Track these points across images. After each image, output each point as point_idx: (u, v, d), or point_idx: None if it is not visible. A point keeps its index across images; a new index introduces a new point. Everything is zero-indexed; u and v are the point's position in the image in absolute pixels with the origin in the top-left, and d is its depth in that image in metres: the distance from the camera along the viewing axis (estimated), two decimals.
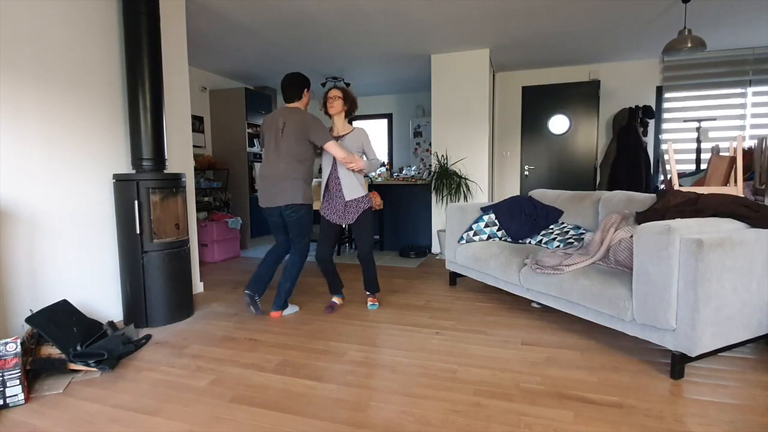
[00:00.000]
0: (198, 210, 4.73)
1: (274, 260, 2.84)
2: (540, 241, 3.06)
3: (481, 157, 4.93)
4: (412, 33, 4.19)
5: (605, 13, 3.74)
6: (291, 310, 2.88)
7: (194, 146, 5.15)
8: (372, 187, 5.17)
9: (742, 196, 2.81)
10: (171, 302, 2.69)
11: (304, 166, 2.69)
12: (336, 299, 2.99)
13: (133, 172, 2.71)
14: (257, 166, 5.54)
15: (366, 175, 3.01)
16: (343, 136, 2.78)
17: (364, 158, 2.79)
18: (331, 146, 2.61)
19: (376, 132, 7.30)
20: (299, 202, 2.65)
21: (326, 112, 2.81)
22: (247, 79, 5.92)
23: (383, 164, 6.35)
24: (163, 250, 2.65)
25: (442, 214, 5.02)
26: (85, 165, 2.60)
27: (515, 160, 5.86)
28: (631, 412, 1.62)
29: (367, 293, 3.01)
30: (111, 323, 2.40)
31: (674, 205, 2.32)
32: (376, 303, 2.98)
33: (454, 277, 3.55)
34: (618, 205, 2.80)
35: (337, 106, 2.75)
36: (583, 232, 2.92)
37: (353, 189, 2.76)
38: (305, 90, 2.76)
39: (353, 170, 2.73)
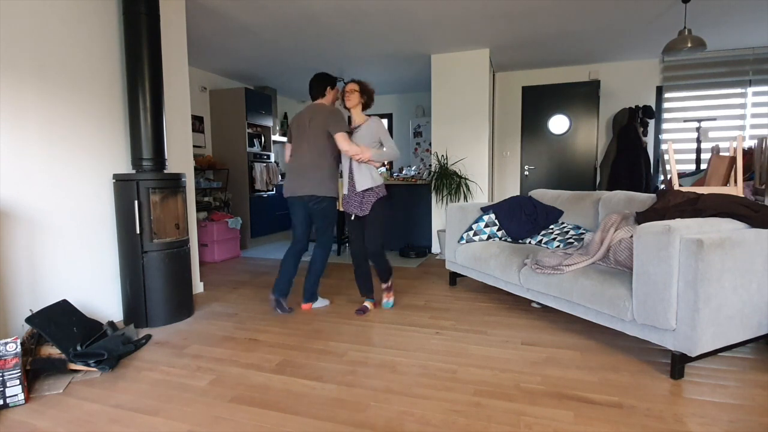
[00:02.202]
0: (198, 210, 4.73)
1: (294, 259, 2.89)
2: (540, 241, 3.06)
3: (481, 157, 4.92)
4: (412, 33, 4.18)
5: (605, 13, 3.74)
6: (321, 303, 2.98)
7: (194, 146, 5.15)
8: None
9: (742, 196, 2.81)
10: (171, 302, 2.69)
11: (327, 160, 2.77)
12: (368, 303, 2.92)
13: (133, 172, 2.71)
14: (257, 166, 5.53)
15: (384, 165, 3.09)
16: (357, 127, 2.80)
17: (383, 148, 2.80)
18: (338, 137, 2.67)
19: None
20: (322, 194, 2.74)
21: (344, 107, 2.84)
22: (247, 79, 5.92)
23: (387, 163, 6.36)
24: (163, 250, 2.65)
25: (442, 214, 5.02)
26: (85, 165, 2.60)
27: (515, 160, 5.85)
28: (631, 412, 1.62)
29: (383, 286, 2.97)
30: (111, 323, 2.40)
31: (674, 205, 2.32)
32: (392, 299, 2.98)
33: (454, 277, 3.55)
34: (618, 205, 2.80)
35: (353, 99, 2.76)
36: (583, 232, 2.92)
37: (363, 179, 2.76)
38: (328, 88, 2.85)
39: (362, 161, 2.74)
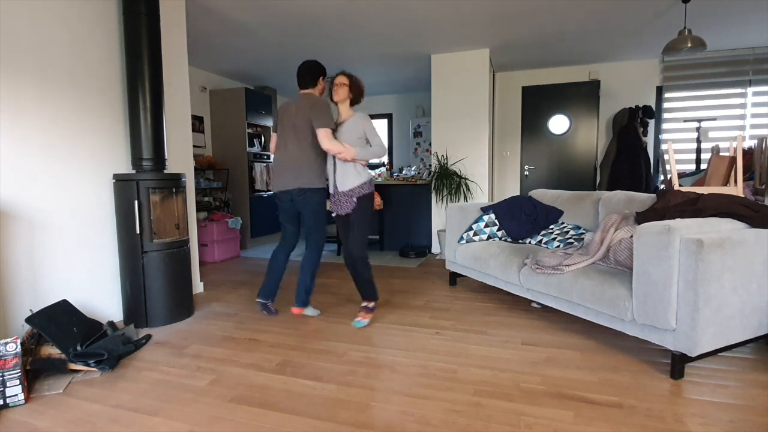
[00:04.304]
0: (198, 210, 4.73)
1: (282, 260, 2.77)
2: (540, 241, 3.06)
3: (481, 157, 4.93)
4: (412, 33, 4.18)
5: (605, 13, 3.74)
6: (312, 312, 2.79)
7: (194, 146, 5.15)
8: None
9: (742, 196, 2.81)
10: (171, 302, 2.69)
11: (315, 153, 2.60)
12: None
13: (133, 172, 2.71)
14: (257, 166, 5.53)
15: (384, 164, 2.88)
16: (342, 122, 2.62)
17: (367, 145, 2.62)
18: (320, 133, 2.49)
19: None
20: (308, 186, 2.57)
21: (332, 99, 2.67)
22: (247, 79, 5.92)
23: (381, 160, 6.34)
24: (163, 250, 2.65)
25: (442, 214, 5.02)
26: (85, 165, 2.60)
27: (515, 160, 5.85)
28: (631, 412, 1.62)
29: (362, 304, 2.68)
30: (111, 323, 2.40)
31: (674, 205, 2.32)
32: (366, 319, 2.61)
33: (454, 277, 3.55)
34: (618, 205, 2.80)
35: (341, 93, 2.59)
36: (583, 232, 2.92)
37: (346, 178, 2.58)
38: (320, 78, 2.68)
39: (345, 160, 2.57)
